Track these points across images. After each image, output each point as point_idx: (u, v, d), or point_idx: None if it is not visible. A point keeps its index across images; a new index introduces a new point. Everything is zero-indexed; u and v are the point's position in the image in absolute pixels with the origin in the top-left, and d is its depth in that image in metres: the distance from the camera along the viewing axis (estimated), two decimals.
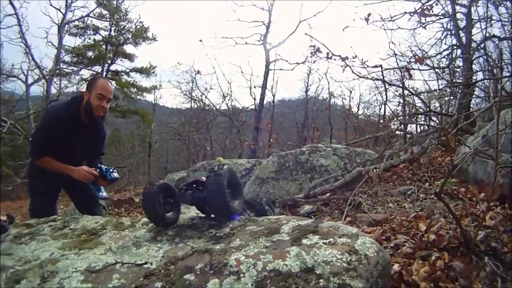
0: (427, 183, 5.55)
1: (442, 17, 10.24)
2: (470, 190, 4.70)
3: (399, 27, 9.79)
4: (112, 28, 29.47)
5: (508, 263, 2.94)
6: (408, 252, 3.16)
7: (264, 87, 18.61)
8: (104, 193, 4.24)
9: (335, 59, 6.14)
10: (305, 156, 6.64)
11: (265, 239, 2.19)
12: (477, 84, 9.65)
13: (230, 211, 2.62)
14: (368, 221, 4.23)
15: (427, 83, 12.16)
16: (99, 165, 3.96)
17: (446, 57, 10.75)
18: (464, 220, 3.73)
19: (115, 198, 10.21)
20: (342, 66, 6.06)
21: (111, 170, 3.99)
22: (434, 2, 9.57)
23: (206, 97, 21.46)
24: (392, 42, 10.65)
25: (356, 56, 5.84)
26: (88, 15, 22.14)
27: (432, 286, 2.70)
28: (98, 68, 29.39)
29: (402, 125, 9.82)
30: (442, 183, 3.58)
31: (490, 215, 3.77)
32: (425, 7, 8.42)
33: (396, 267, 2.87)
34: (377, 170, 5.69)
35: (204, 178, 2.86)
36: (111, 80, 28.90)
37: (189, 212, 6.01)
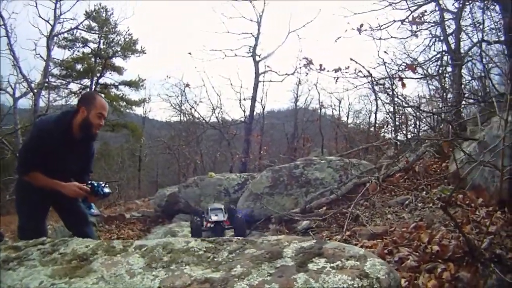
0: (424, 192, 5.47)
1: (433, 24, 10.22)
2: (468, 196, 4.63)
3: (392, 36, 9.86)
4: (101, 41, 29.30)
5: None
6: (413, 265, 3.11)
7: (254, 99, 18.54)
8: (95, 210, 4.14)
9: (328, 71, 6.12)
10: (300, 169, 6.53)
11: (268, 265, 2.04)
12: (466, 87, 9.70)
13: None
14: (367, 234, 4.16)
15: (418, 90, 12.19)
16: (89, 181, 3.84)
17: (435, 63, 10.74)
18: (465, 227, 3.73)
19: (105, 214, 10.06)
20: (334, 78, 6.02)
21: (102, 185, 3.85)
22: (421, 9, 9.62)
23: (195, 110, 21.36)
24: (385, 52, 10.63)
25: (348, 67, 5.80)
26: (77, 27, 22.00)
27: None
28: (86, 82, 29.32)
29: (393, 133, 9.78)
30: (448, 195, 3.53)
31: (492, 221, 3.73)
32: (416, 15, 8.43)
33: (402, 282, 2.80)
34: (376, 181, 5.62)
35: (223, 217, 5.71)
36: (101, 94, 28.97)
37: (182, 231, 5.92)
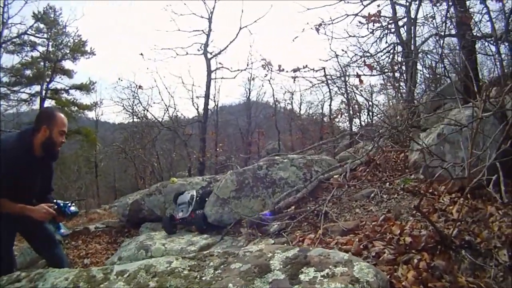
0: (388, 183, 5.59)
1: (387, 19, 10.32)
2: (431, 185, 4.79)
3: (350, 35, 9.94)
4: (50, 43, 28.59)
5: (483, 252, 3.11)
6: (390, 258, 3.20)
7: (207, 97, 18.28)
8: (65, 230, 4.04)
9: (287, 71, 6.18)
10: (264, 170, 6.49)
11: (261, 281, 2.05)
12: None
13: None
14: (339, 230, 4.20)
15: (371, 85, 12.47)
16: (55, 201, 3.78)
17: (386, 54, 10.91)
18: (433, 216, 3.89)
19: (70, 230, 9.78)
20: (293, 77, 6.09)
21: (68, 204, 3.82)
22: (374, 4, 9.77)
23: (148, 111, 20.96)
24: (343, 50, 10.76)
25: (306, 65, 5.86)
26: (25, 33, 21.35)
27: None
28: (37, 88, 28.59)
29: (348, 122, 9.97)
30: (419, 200, 3.65)
31: (456, 208, 3.92)
32: (373, 13, 8.51)
33: None
34: (343, 179, 5.72)
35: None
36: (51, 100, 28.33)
37: (155, 244, 5.80)
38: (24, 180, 3.51)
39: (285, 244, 4.34)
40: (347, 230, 4.15)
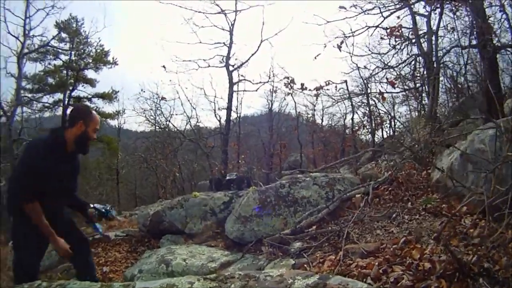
0: (409, 203, 5.56)
1: (408, 30, 10.29)
2: (453, 205, 4.75)
3: (372, 52, 9.96)
4: (72, 52, 28.74)
5: (501, 281, 2.99)
6: (409, 285, 3.17)
7: (229, 109, 18.31)
8: (102, 230, 4.19)
9: (310, 90, 6.23)
10: (286, 189, 6.52)
11: None
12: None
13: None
14: (359, 252, 4.21)
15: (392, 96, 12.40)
16: (92, 206, 3.95)
17: (408, 65, 10.85)
18: (453, 240, 3.82)
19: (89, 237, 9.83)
20: (315, 95, 6.14)
21: (108, 208, 4.04)
22: (392, 13, 9.76)
23: (170, 122, 21.13)
24: (365, 67, 10.74)
25: (329, 82, 5.89)
26: (48, 44, 21.72)
27: None
28: (59, 95, 28.90)
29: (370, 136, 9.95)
30: (441, 228, 3.63)
31: (478, 232, 3.84)
32: (393, 27, 8.49)
33: None
34: (365, 199, 5.71)
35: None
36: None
37: (175, 259, 5.84)
38: (56, 178, 3.49)
39: (305, 265, 4.37)
40: (368, 253, 4.16)
